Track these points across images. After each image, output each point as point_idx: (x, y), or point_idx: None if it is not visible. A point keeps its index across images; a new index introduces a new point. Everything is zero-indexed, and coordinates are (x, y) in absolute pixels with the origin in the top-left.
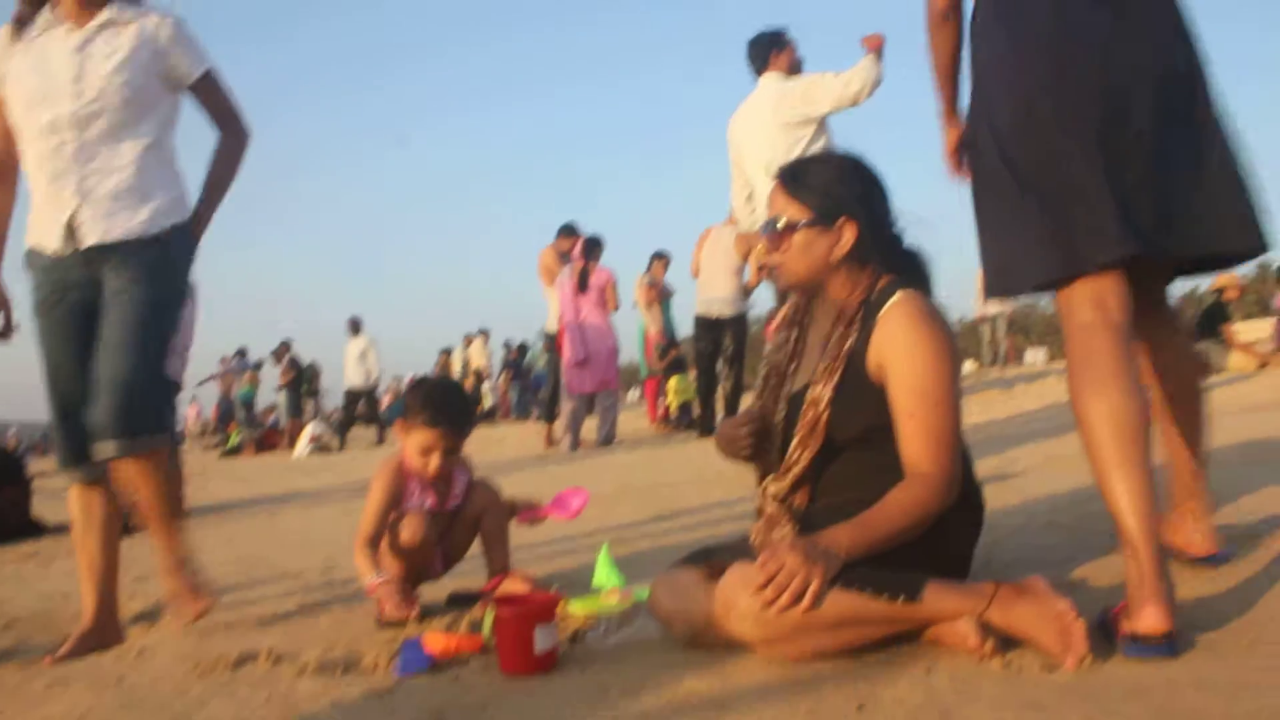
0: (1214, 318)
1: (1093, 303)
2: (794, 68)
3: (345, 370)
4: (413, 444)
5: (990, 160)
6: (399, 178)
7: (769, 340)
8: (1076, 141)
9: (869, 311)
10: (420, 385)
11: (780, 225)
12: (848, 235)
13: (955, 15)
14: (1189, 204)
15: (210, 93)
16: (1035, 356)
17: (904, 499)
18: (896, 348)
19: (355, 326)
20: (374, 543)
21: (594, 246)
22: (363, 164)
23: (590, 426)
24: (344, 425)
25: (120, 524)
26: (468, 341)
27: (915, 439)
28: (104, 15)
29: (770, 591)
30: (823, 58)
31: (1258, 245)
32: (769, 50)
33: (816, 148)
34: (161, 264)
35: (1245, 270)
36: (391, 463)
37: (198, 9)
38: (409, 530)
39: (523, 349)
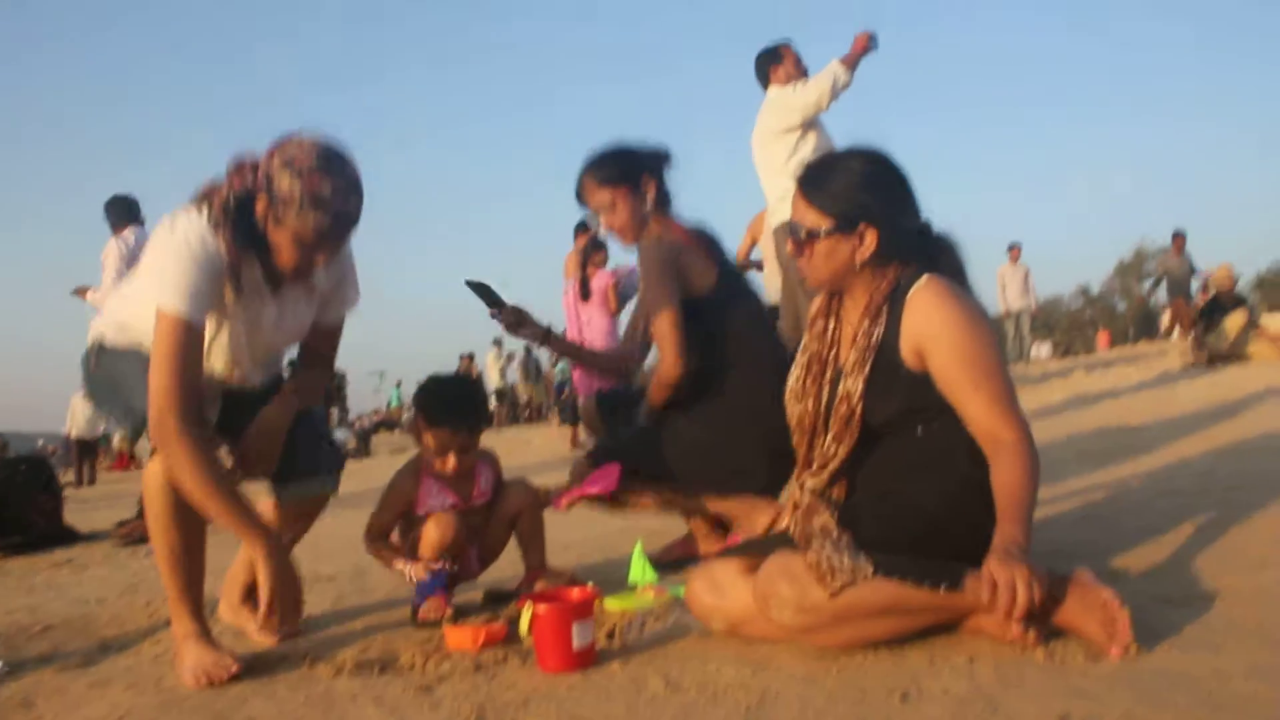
0: (1213, 311)
1: None
2: (793, 76)
3: (74, 423)
4: (426, 444)
5: None
6: (399, 183)
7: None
8: None
9: (895, 299)
10: (425, 385)
11: (803, 235)
12: (869, 240)
13: None
14: None
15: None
16: (1040, 351)
17: (1017, 471)
18: (934, 326)
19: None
20: (379, 536)
21: (594, 250)
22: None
23: None
24: (79, 478)
25: None
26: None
27: (987, 409)
28: None
29: (1020, 606)
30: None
31: None
32: (767, 65)
33: (806, 150)
34: None
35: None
36: (411, 464)
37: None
38: (439, 530)
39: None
